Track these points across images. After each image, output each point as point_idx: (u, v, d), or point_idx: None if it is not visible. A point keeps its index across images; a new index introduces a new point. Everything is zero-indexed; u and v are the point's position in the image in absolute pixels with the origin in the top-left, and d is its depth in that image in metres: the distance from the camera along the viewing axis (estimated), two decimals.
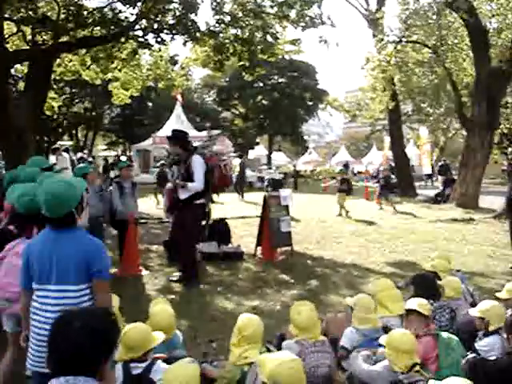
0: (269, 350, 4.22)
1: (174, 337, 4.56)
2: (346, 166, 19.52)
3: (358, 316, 4.69)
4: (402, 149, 27.98)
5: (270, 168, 33.42)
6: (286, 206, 10.91)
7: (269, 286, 8.41)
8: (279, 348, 4.46)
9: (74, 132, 48.74)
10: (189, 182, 8.18)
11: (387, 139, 32.93)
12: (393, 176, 26.96)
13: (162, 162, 19.78)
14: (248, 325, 4.14)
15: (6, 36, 12.33)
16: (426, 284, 5.46)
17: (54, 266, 3.41)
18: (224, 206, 19.62)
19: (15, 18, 12.23)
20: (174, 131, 8.94)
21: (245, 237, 12.11)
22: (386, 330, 4.62)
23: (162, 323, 4.34)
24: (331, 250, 11.50)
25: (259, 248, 10.66)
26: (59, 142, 34.88)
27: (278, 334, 5.00)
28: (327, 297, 7.84)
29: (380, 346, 4.24)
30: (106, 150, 57.30)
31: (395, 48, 22.89)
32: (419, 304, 4.56)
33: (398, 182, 25.02)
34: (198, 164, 8.27)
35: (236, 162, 26.97)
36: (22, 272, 3.57)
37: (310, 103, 50.85)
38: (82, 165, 9.90)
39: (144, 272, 9.12)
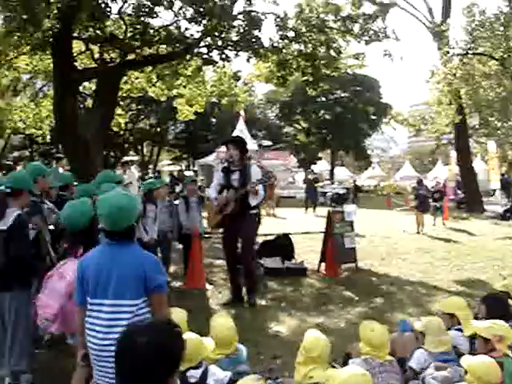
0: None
1: (239, 352, 4.52)
2: (420, 182, 19.16)
3: (430, 340, 4.53)
4: (469, 163, 27.29)
5: (333, 183, 33.21)
6: (351, 222, 10.79)
7: (333, 303, 8.30)
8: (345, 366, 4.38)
9: (139, 147, 49.75)
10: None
11: (453, 154, 32.20)
12: (459, 191, 26.36)
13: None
14: (315, 345, 4.06)
15: (75, 54, 12.70)
16: (498, 305, 5.24)
17: (112, 281, 3.40)
18: (287, 220, 19.61)
19: (84, 36, 12.62)
20: (235, 136, 8.98)
21: (308, 252, 12.00)
22: (455, 350, 4.48)
23: (221, 336, 4.32)
24: (396, 266, 11.28)
25: (323, 264, 10.56)
26: (125, 158, 35.64)
27: (345, 352, 4.91)
28: (393, 315, 7.66)
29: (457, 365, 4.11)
30: (170, 165, 58.22)
31: (461, 60, 22.43)
32: (487, 327, 4.36)
33: (465, 198, 24.42)
34: (257, 172, 8.11)
35: (300, 177, 27.04)
36: (77, 288, 3.56)
37: (374, 117, 50.26)
38: (150, 180, 10.03)
39: (208, 286, 9.17)
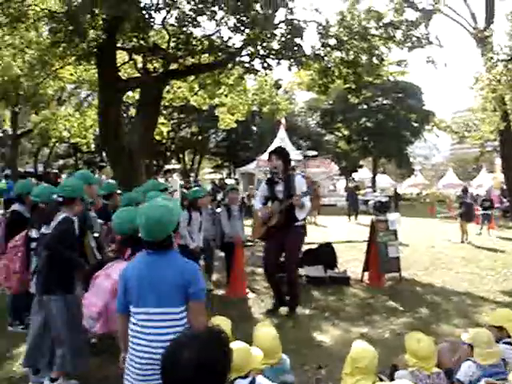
0: (381, 381, 4.09)
1: (283, 361, 4.49)
2: (465, 191, 18.96)
3: (479, 352, 4.42)
4: None
5: (375, 191, 32.93)
6: (395, 231, 10.65)
7: (377, 313, 8.18)
8: (392, 379, 4.30)
9: (181, 156, 50.22)
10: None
11: (498, 161, 31.59)
12: (505, 200, 25.82)
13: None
14: (363, 356, 4.00)
15: (119, 64, 12.88)
16: None
17: (155, 290, 3.44)
18: (329, 229, 19.51)
19: (127, 47, 12.80)
20: (278, 146, 8.92)
21: (351, 261, 11.90)
22: (505, 363, 4.38)
23: (266, 346, 4.29)
24: (441, 276, 11.08)
25: (366, 273, 10.45)
26: (167, 166, 36.00)
27: (392, 364, 4.82)
28: (439, 326, 7.51)
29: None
30: (211, 173, 58.59)
31: (505, 66, 21.96)
32: None
33: (511, 207, 23.86)
34: (302, 183, 7.96)
35: (341, 185, 26.89)
36: (119, 297, 3.62)
37: (416, 125, 49.62)
38: (195, 188, 10.10)
39: (250, 295, 9.16)
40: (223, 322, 4.52)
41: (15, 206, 6.80)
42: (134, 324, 3.49)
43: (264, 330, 4.59)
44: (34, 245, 5.34)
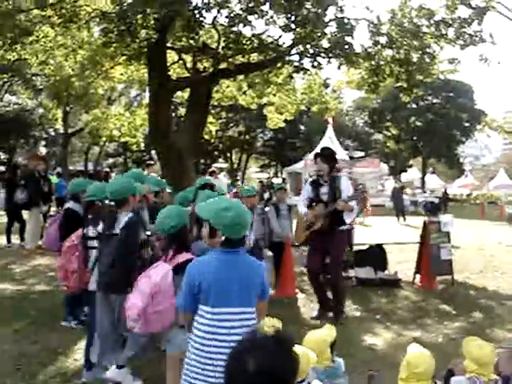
0: None
1: (336, 365, 4.41)
2: None
3: None
4: None
5: (425, 191, 32.43)
6: (447, 233, 10.42)
7: (429, 317, 8.02)
8: None
9: (228, 155, 50.47)
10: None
11: None
12: None
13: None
14: (420, 361, 3.90)
15: (168, 64, 12.97)
16: None
17: (237, 289, 3.44)
18: (378, 230, 19.28)
19: (177, 46, 12.88)
20: (324, 148, 8.70)
21: (401, 263, 11.70)
22: None
23: (314, 349, 4.20)
24: (495, 280, 10.80)
25: (418, 276, 10.26)
26: (215, 165, 36.22)
27: (447, 369, 4.69)
28: (493, 331, 7.31)
29: None
30: (258, 172, 58.72)
31: None
32: None
33: None
34: (347, 185, 7.70)
35: (390, 184, 26.53)
36: (184, 295, 3.54)
37: (467, 124, 48.82)
38: (246, 187, 10.08)
39: (300, 295, 9.10)
40: (274, 323, 4.46)
41: (69, 204, 6.89)
42: (205, 325, 3.43)
43: (314, 333, 4.50)
44: (90, 243, 5.38)
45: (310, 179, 8.27)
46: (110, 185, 5.26)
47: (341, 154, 20.23)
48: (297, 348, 3.57)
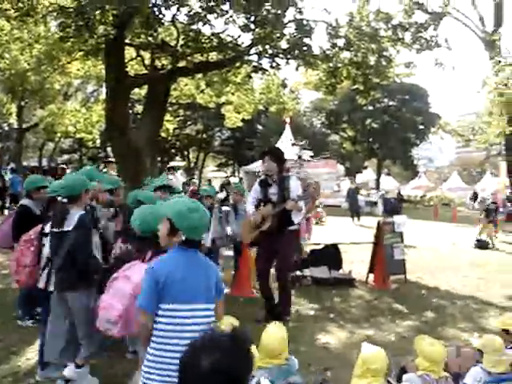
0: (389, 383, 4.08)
1: (291, 362, 4.46)
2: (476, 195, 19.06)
3: (489, 359, 4.40)
4: None
5: (381, 192, 32.85)
6: (401, 233, 10.62)
7: (382, 315, 8.15)
8: (399, 381, 4.29)
9: (185, 153, 50.26)
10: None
11: (503, 165, 31.59)
12: (509, 204, 25.80)
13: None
14: (375, 358, 3.99)
15: (126, 60, 12.86)
16: None
17: (202, 285, 3.50)
18: (333, 230, 19.49)
19: (135, 43, 12.79)
20: (272, 147, 8.65)
21: (356, 263, 11.86)
22: None
23: (272, 346, 4.25)
24: (447, 280, 11.04)
25: (371, 275, 10.41)
26: (172, 163, 36.04)
27: (400, 366, 4.80)
28: (444, 330, 7.48)
29: None
30: (215, 171, 58.64)
31: None
32: None
33: None
34: (297, 185, 7.52)
35: (346, 185, 26.77)
36: (148, 294, 3.45)
37: (421, 127, 49.65)
38: (205, 187, 10.10)
39: (256, 294, 9.13)
40: (231, 322, 4.49)
41: (24, 201, 6.79)
42: (166, 324, 3.41)
43: (271, 329, 4.54)
44: (46, 240, 5.32)
45: (259, 179, 8.02)
46: (62, 180, 5.20)
47: (290, 154, 20.19)
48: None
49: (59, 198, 4.92)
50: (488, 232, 16.73)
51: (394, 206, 14.77)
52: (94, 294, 4.91)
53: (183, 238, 3.53)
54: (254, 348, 3.99)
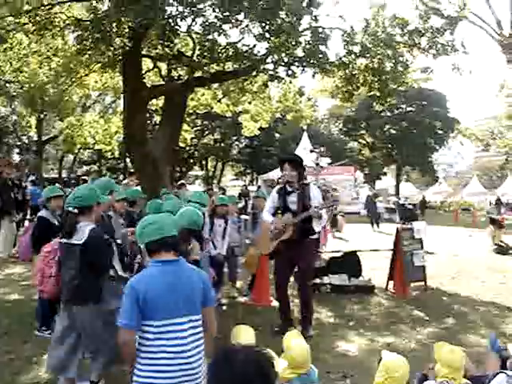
0: None
1: (311, 371, 4.44)
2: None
3: None
4: None
5: (399, 199, 32.69)
6: (420, 239, 10.54)
7: (402, 323, 8.09)
8: None
9: (204, 163, 50.42)
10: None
11: None
12: None
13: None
14: (396, 366, 3.94)
15: (143, 72, 12.96)
16: None
17: (186, 298, 3.47)
18: (353, 237, 19.41)
19: (152, 54, 12.88)
20: (290, 154, 8.50)
21: (375, 270, 11.79)
22: None
23: (298, 357, 4.24)
24: (467, 286, 10.93)
25: (391, 282, 10.35)
26: (190, 172, 36.17)
27: (420, 373, 4.75)
28: (466, 336, 7.41)
29: None
30: (233, 180, 58.72)
31: None
32: None
33: None
34: (318, 193, 7.39)
35: (365, 192, 26.65)
36: (130, 312, 3.41)
37: (440, 132, 49.38)
38: (220, 195, 10.12)
39: (275, 303, 9.10)
40: (246, 330, 4.49)
41: (42, 212, 6.86)
42: (151, 339, 3.41)
43: (296, 340, 4.52)
44: None
45: (277, 187, 7.83)
46: (75, 191, 5.20)
47: (308, 161, 20.17)
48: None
49: (70, 209, 4.89)
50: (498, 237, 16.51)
51: (412, 212, 14.61)
52: (103, 309, 4.87)
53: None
54: (277, 360, 3.97)
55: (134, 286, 3.46)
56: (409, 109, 49.66)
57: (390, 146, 50.50)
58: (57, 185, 11.91)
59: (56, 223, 6.53)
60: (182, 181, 18.25)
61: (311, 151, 23.88)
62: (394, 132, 49.26)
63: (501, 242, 16.27)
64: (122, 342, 3.45)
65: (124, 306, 3.43)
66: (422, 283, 10.45)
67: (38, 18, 11.36)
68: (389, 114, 48.09)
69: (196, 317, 3.50)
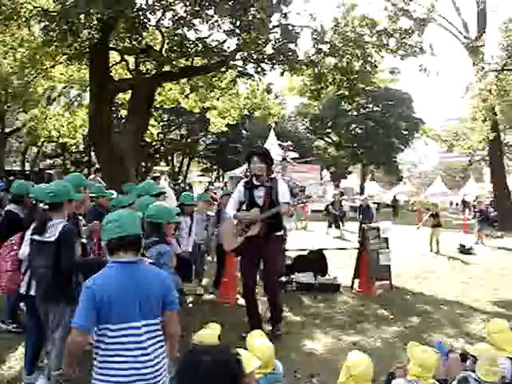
0: None
1: (276, 369, 4.41)
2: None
3: (484, 368, 4.35)
4: (503, 181, 26.87)
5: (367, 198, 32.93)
6: (386, 239, 10.61)
7: (368, 321, 8.11)
8: None
9: (170, 158, 50.12)
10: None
11: (487, 171, 31.82)
12: (491, 209, 25.96)
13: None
14: (358, 364, 3.96)
15: (111, 65, 12.78)
16: None
17: (139, 301, 3.34)
18: (319, 235, 19.48)
19: (120, 47, 12.72)
20: (258, 147, 8.26)
21: (341, 268, 11.82)
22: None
23: (263, 356, 4.19)
24: (431, 285, 11.04)
25: (356, 281, 10.39)
26: (156, 167, 35.89)
27: (388, 372, 4.76)
28: (430, 335, 7.45)
29: None
30: (200, 176, 58.52)
31: (496, 76, 22.14)
32: None
33: (498, 216, 24.08)
34: (286, 189, 7.08)
35: (331, 191, 26.74)
36: (85, 312, 3.28)
37: (405, 132, 49.91)
38: (184, 193, 10.02)
39: (241, 301, 9.06)
40: (213, 329, 4.45)
41: (10, 206, 6.68)
42: (107, 343, 3.30)
43: (259, 340, 4.48)
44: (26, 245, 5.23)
45: (243, 180, 7.48)
46: (47, 187, 5.06)
47: (274, 157, 20.12)
48: (241, 351, 3.54)
49: (40, 205, 4.75)
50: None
51: (370, 213, 14.83)
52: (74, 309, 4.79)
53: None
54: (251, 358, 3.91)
55: (90, 286, 3.32)
56: (375, 108, 50.03)
57: (355, 145, 50.85)
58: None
59: (23, 217, 6.37)
60: (157, 173, 18.02)
61: (280, 145, 23.88)
62: (359, 131, 49.64)
63: (437, 241, 16.26)
64: (72, 342, 3.29)
65: (80, 307, 3.30)
66: (388, 282, 10.52)
67: (3, 7, 11.13)
68: (355, 113, 48.38)
69: (153, 321, 3.38)
